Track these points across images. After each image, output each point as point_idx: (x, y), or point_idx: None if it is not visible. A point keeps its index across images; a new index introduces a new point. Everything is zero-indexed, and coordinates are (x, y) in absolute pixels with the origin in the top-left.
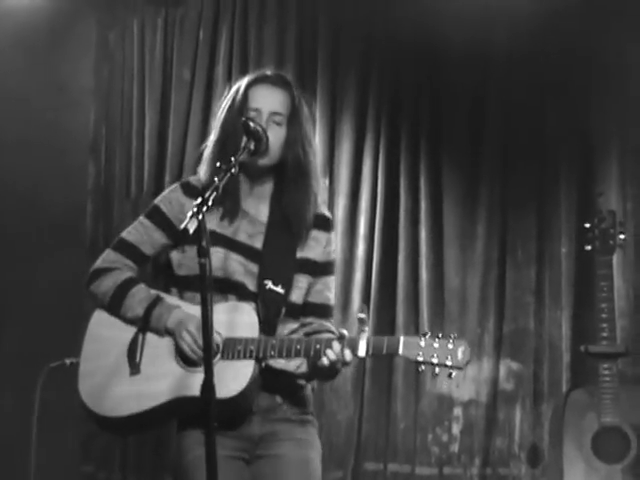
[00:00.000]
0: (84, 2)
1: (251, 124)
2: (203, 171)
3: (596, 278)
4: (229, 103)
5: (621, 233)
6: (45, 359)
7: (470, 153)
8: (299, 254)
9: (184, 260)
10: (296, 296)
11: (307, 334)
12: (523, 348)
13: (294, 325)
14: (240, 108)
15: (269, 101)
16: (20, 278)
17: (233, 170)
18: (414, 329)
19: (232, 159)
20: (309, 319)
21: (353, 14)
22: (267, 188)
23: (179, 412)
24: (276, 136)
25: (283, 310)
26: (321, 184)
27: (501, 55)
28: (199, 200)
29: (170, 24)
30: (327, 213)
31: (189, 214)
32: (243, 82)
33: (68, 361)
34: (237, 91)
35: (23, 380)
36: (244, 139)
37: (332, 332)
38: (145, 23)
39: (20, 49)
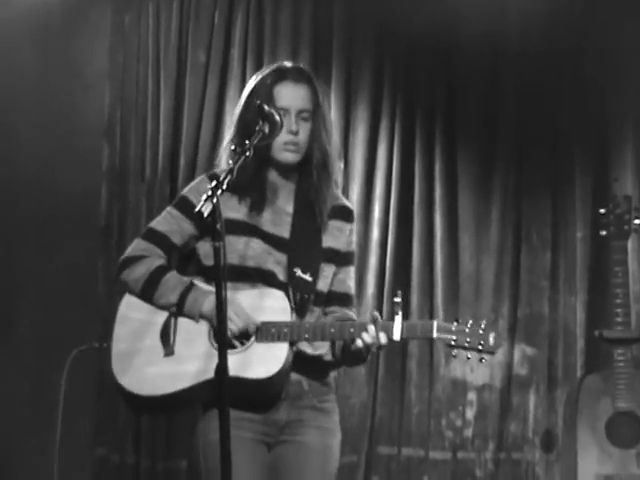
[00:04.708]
0: None
1: (265, 107)
2: (228, 165)
3: (611, 263)
4: (251, 101)
5: (636, 218)
6: (61, 343)
7: (485, 138)
8: (324, 244)
9: (212, 250)
10: (322, 284)
11: None
12: (537, 333)
13: (318, 313)
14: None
15: (296, 99)
16: (35, 262)
17: (248, 153)
18: (428, 314)
19: (247, 142)
20: (332, 308)
21: None
22: (292, 180)
23: (211, 393)
24: (306, 132)
25: (312, 298)
26: (338, 172)
27: (516, 40)
28: (214, 183)
29: (185, 7)
30: (349, 205)
31: (203, 197)
32: (265, 80)
33: (96, 344)
34: (259, 89)
35: (38, 365)
36: (259, 122)
37: (354, 320)
38: (160, 6)
39: (34, 33)
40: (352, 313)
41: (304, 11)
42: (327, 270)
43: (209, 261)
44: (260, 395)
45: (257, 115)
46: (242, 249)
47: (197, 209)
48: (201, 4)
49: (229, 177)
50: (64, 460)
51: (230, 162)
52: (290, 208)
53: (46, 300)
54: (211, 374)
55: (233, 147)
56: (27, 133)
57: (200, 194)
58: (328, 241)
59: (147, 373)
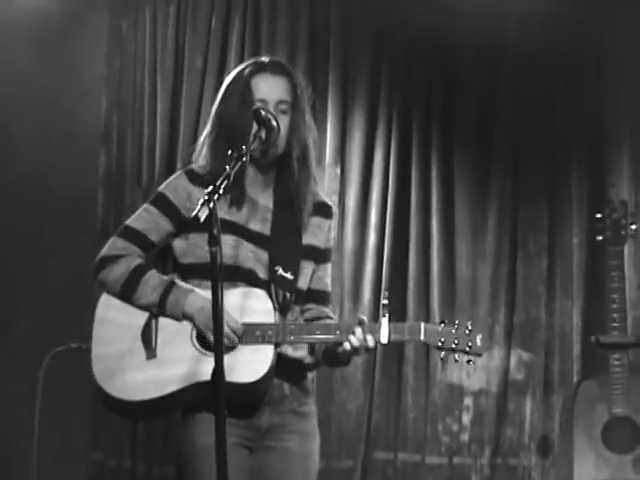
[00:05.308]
0: None
1: (262, 112)
2: (206, 160)
3: (607, 268)
4: (228, 93)
5: (632, 223)
6: (56, 345)
7: (481, 144)
8: (304, 241)
9: (189, 248)
10: (302, 282)
11: (307, 320)
12: (534, 338)
13: (298, 311)
14: (244, 99)
15: (274, 91)
16: (31, 265)
17: (244, 158)
18: (424, 319)
19: (243, 147)
20: (309, 305)
21: (366, 4)
22: (271, 175)
23: (197, 397)
24: (284, 125)
25: (293, 296)
26: (317, 168)
27: (513, 45)
28: (210, 188)
29: (182, 12)
30: (328, 201)
31: (200, 202)
32: (243, 72)
33: (74, 345)
34: (236, 82)
35: (35, 366)
36: (255, 128)
37: (331, 318)
38: (157, 11)
39: (32, 39)
40: (329, 310)
41: (301, 17)
42: (307, 267)
43: (185, 259)
44: (246, 399)
45: (254, 120)
46: (222, 248)
47: (193, 214)
48: (198, 9)
49: (226, 182)
50: (60, 464)
51: (227, 167)
52: (270, 204)
53: (43, 303)
54: (196, 377)
55: (230, 152)
56: (24, 138)
57: (177, 190)
58: (308, 238)
59: (129, 377)
